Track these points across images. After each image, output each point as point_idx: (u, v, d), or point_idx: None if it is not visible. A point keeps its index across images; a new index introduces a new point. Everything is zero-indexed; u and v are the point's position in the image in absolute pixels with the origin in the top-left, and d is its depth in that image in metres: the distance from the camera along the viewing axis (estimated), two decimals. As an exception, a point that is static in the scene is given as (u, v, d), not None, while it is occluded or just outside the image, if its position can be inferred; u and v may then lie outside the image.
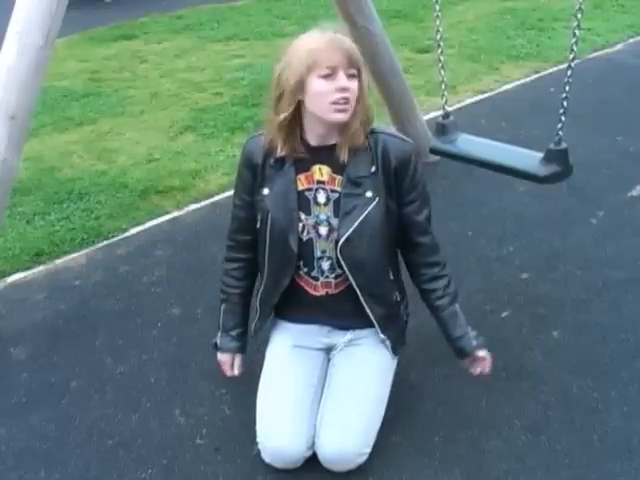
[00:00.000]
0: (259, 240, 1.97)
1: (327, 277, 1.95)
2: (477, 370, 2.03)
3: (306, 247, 1.92)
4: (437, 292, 1.99)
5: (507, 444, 2.02)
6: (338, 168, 1.88)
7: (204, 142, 4.28)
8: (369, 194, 1.86)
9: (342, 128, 1.82)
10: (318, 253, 1.93)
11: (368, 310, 1.96)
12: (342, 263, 1.89)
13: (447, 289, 1.99)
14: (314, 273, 1.95)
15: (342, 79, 1.74)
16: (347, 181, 1.86)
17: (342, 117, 1.78)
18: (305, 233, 1.90)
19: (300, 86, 1.75)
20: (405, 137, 1.97)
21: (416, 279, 2.02)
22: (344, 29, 1.84)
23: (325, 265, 1.94)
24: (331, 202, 1.89)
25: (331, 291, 1.98)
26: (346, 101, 1.76)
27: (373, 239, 1.89)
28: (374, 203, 1.86)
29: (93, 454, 2.06)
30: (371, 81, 3.46)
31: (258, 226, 1.95)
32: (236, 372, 2.11)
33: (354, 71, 1.76)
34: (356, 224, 1.85)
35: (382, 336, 2.01)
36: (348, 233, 1.85)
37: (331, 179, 1.89)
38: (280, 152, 1.85)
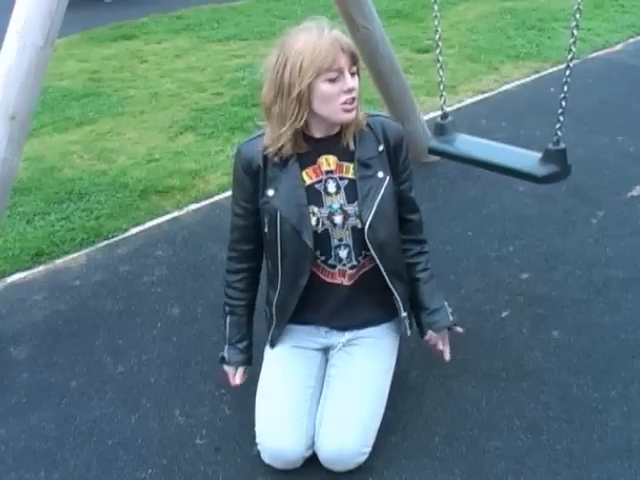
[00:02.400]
0: (268, 244, 1.95)
1: (344, 265, 1.95)
2: (440, 346, 2.10)
3: (322, 238, 1.91)
4: (420, 265, 2.08)
5: (507, 444, 2.02)
6: (344, 155, 1.90)
7: (204, 142, 4.28)
8: (380, 174, 1.90)
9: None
10: (335, 242, 1.93)
11: (393, 289, 2.00)
12: (369, 246, 1.91)
13: (428, 264, 2.10)
14: (331, 261, 1.95)
15: (349, 81, 1.76)
16: (359, 165, 1.89)
17: (350, 117, 1.82)
18: (320, 226, 1.90)
19: (309, 91, 1.76)
20: (394, 118, 2.05)
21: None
22: (333, 23, 1.84)
23: (343, 253, 1.94)
24: (342, 189, 1.90)
25: (345, 282, 1.98)
26: (353, 100, 1.79)
27: (390, 218, 1.95)
28: (386, 182, 1.91)
29: (93, 454, 2.07)
30: (371, 81, 3.47)
31: (266, 230, 1.93)
32: (238, 382, 2.09)
33: (355, 68, 1.79)
34: (375, 206, 1.88)
35: (404, 314, 2.05)
36: (371, 216, 1.88)
37: (339, 167, 1.90)
38: (286, 151, 1.85)
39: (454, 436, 2.06)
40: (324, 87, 1.75)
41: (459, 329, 2.10)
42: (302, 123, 1.80)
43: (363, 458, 1.92)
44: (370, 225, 1.88)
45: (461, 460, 1.98)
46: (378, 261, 1.94)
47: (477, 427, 2.09)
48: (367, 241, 1.90)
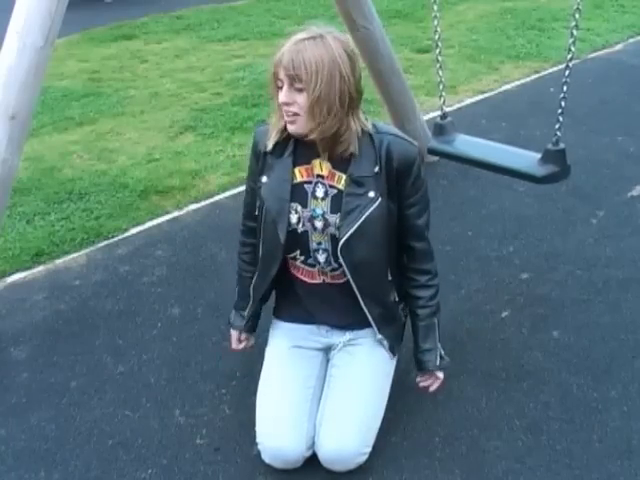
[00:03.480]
0: (257, 227, 2.01)
1: (323, 268, 1.96)
2: (425, 384, 2.05)
3: (302, 238, 1.93)
4: (421, 301, 1.99)
5: (507, 444, 2.02)
6: (339, 165, 1.88)
7: (204, 142, 4.28)
8: (371, 194, 1.85)
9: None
10: (314, 245, 1.93)
11: (365, 309, 1.97)
12: (342, 262, 1.89)
13: (431, 300, 2.00)
14: (311, 261, 1.96)
15: (282, 93, 1.76)
16: (350, 180, 1.86)
17: (291, 128, 1.81)
18: (301, 225, 1.91)
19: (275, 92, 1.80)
20: (411, 140, 1.94)
21: (404, 283, 2.03)
22: (333, 28, 1.80)
23: (321, 257, 1.94)
24: (329, 197, 1.89)
25: (328, 280, 1.98)
26: (292, 114, 1.77)
27: (373, 240, 1.89)
28: (376, 204, 1.85)
29: (93, 454, 2.06)
30: (371, 81, 3.47)
31: (256, 213, 1.99)
32: (239, 346, 2.21)
33: (299, 85, 1.73)
34: (357, 224, 1.85)
35: (379, 336, 2.02)
36: (349, 233, 1.85)
37: (331, 174, 1.89)
38: (273, 143, 1.89)
39: (454, 436, 2.06)
40: (278, 92, 1.79)
41: (440, 375, 2.03)
42: (282, 122, 1.83)
43: (363, 458, 1.92)
44: (347, 242, 1.86)
45: (461, 460, 1.98)
46: (350, 278, 1.91)
47: (477, 427, 2.09)
48: (340, 256, 1.88)
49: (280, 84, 1.77)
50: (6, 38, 2.29)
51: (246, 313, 2.14)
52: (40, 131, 4.51)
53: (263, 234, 1.96)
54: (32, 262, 3.09)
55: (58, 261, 3.10)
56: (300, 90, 1.74)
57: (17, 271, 3.04)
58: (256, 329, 2.21)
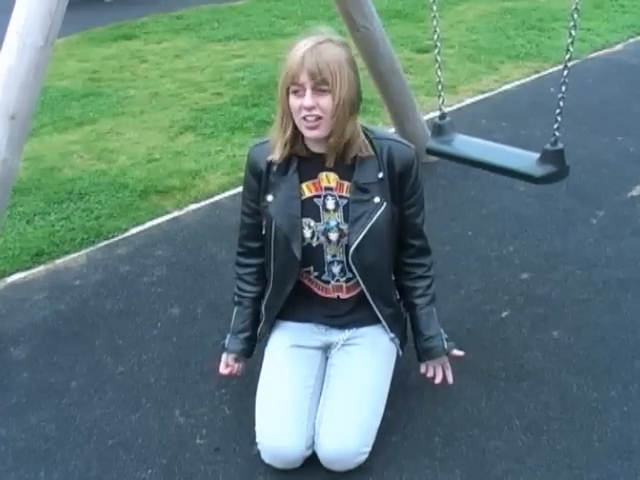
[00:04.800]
0: (265, 246, 1.99)
1: (338, 280, 1.98)
2: (431, 374, 2.05)
3: (316, 252, 1.93)
4: (418, 290, 2.04)
5: (507, 444, 2.02)
6: (345, 174, 1.89)
7: (204, 142, 4.28)
8: (377, 200, 1.88)
9: (324, 139, 1.82)
10: (329, 258, 1.95)
11: (377, 311, 2.00)
12: (353, 268, 1.91)
13: (428, 289, 2.05)
14: (325, 277, 1.98)
15: (307, 98, 1.74)
16: (355, 187, 1.88)
17: (313, 134, 1.79)
18: (315, 239, 1.92)
19: (287, 101, 1.78)
20: (407, 142, 1.99)
21: (399, 277, 2.07)
22: (335, 33, 1.82)
23: (336, 269, 1.96)
24: (340, 208, 1.91)
25: (342, 295, 2.01)
26: (315, 118, 1.76)
27: (381, 244, 1.92)
28: (382, 209, 1.88)
29: (93, 454, 2.06)
30: (371, 81, 3.47)
31: (263, 232, 1.97)
32: (226, 371, 2.09)
33: (325, 87, 1.73)
34: (365, 230, 1.87)
35: (391, 335, 2.05)
36: (358, 240, 1.87)
37: (339, 185, 1.90)
38: (280, 156, 1.86)
39: (454, 436, 2.06)
40: (290, 99, 1.77)
41: (458, 353, 2.04)
42: (288, 133, 1.81)
43: (363, 458, 1.92)
44: (357, 248, 1.88)
45: (461, 460, 1.98)
46: (362, 283, 1.95)
47: (477, 427, 2.09)
48: (351, 263, 1.91)
49: (297, 89, 1.74)
50: (6, 38, 2.29)
51: (258, 332, 2.11)
52: (40, 131, 4.51)
53: (274, 252, 1.95)
54: (32, 262, 3.09)
55: (58, 261, 3.10)
56: (324, 92, 1.74)
57: (17, 271, 3.04)
58: (253, 353, 2.12)
